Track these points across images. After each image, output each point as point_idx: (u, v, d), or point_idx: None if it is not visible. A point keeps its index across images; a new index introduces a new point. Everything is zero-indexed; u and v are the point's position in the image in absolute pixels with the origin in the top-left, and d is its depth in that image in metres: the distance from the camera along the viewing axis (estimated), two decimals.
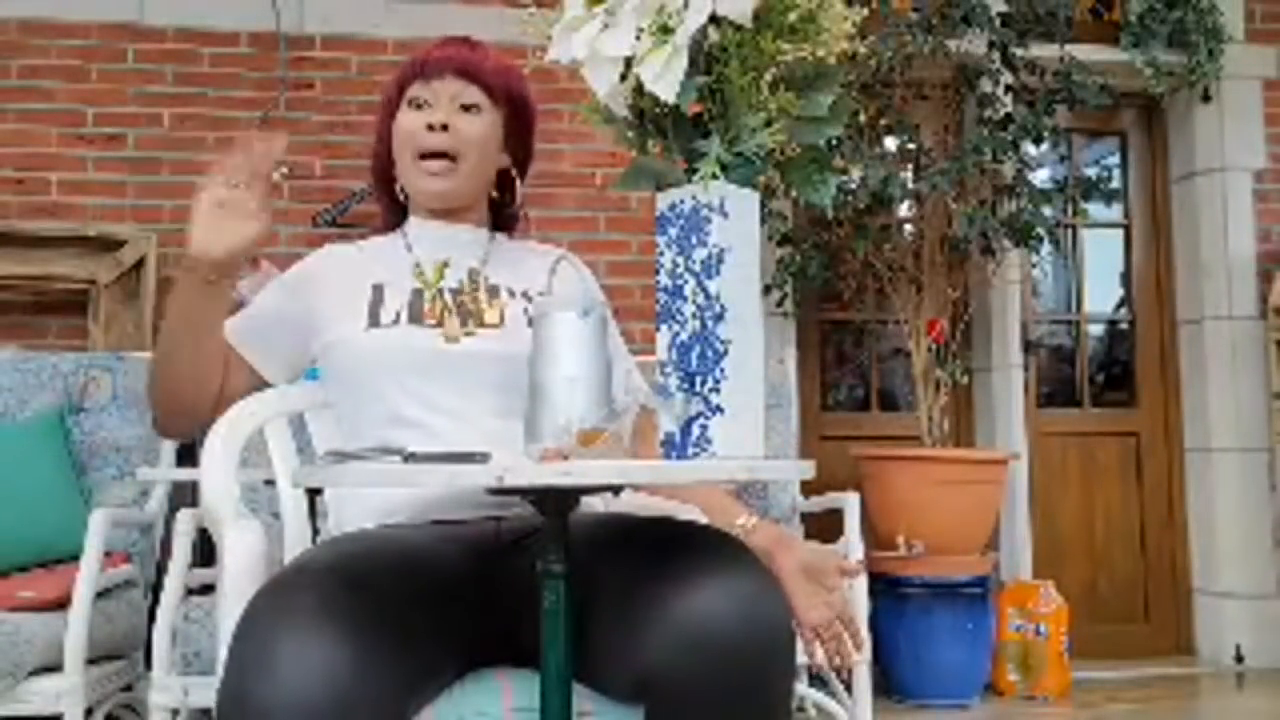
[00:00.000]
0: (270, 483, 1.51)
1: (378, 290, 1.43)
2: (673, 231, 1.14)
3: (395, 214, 1.56)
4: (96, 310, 3.30)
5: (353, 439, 1.41)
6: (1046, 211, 3.68)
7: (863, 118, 3.53)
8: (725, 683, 1.09)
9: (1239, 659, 3.99)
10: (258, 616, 1.08)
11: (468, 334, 1.40)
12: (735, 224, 1.11)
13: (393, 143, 1.49)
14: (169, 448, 2.91)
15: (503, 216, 1.58)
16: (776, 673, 1.14)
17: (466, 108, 1.46)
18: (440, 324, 1.40)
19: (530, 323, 1.37)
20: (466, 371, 1.38)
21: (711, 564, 1.13)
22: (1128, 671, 3.89)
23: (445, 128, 1.43)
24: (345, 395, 1.43)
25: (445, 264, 1.46)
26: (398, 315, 1.40)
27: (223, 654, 1.09)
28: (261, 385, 1.45)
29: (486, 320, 1.42)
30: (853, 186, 3.48)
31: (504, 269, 1.50)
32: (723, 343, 1.09)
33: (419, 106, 1.46)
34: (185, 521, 2.40)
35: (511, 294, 1.46)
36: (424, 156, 1.44)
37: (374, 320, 1.40)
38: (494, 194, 1.55)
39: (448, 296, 1.43)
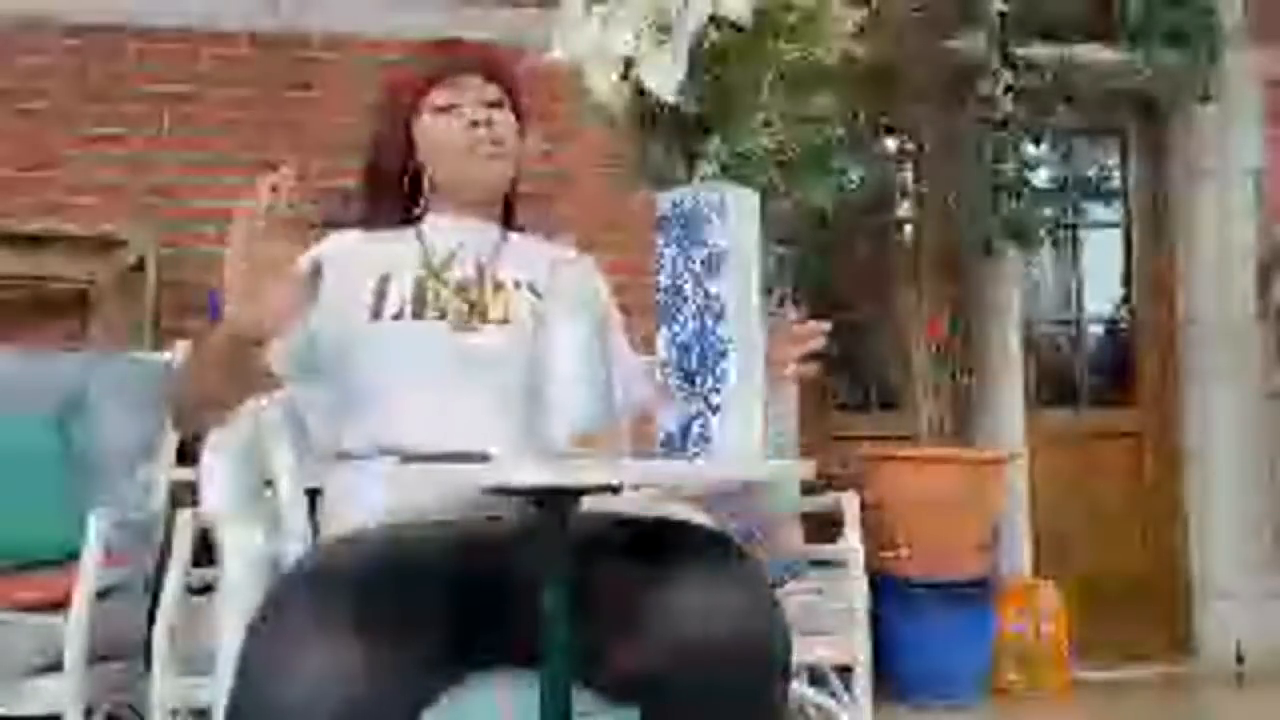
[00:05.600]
0: (270, 483, 1.50)
1: (383, 281, 1.43)
2: (673, 231, 1.14)
3: (397, 217, 1.55)
4: (96, 310, 3.30)
5: (352, 435, 1.40)
6: (1046, 211, 3.68)
7: (862, 118, 3.53)
8: (720, 685, 1.09)
9: (1239, 659, 3.99)
10: (265, 624, 1.08)
11: (472, 329, 1.40)
12: (735, 224, 1.11)
13: (420, 150, 1.49)
14: (169, 448, 2.90)
15: (512, 214, 1.59)
16: (772, 675, 1.15)
17: (491, 104, 1.48)
18: (444, 317, 1.40)
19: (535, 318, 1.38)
20: (469, 366, 1.38)
21: (707, 567, 1.14)
22: (1128, 671, 3.89)
23: (489, 123, 1.46)
24: (345, 389, 1.43)
25: (452, 255, 1.46)
26: (401, 308, 1.40)
27: (223, 654, 1.10)
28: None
29: (491, 315, 1.42)
30: (853, 186, 3.48)
31: (512, 263, 1.50)
32: (723, 343, 1.10)
33: (447, 110, 1.47)
34: (185, 521, 2.40)
35: (517, 286, 1.46)
36: (474, 148, 1.46)
37: (377, 312, 1.40)
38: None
39: (453, 289, 1.43)
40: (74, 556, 2.31)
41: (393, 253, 1.47)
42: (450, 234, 1.49)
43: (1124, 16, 3.98)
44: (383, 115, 1.53)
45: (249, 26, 3.60)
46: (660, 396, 1.15)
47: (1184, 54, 3.98)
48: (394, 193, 1.54)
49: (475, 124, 1.45)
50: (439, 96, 1.48)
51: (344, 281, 1.43)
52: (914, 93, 3.74)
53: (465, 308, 1.41)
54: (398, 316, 1.39)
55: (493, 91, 1.49)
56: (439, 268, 1.44)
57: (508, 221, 1.58)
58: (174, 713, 2.24)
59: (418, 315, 1.39)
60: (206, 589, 2.47)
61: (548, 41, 1.18)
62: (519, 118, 1.53)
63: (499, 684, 1.22)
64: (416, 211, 1.53)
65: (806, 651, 2.45)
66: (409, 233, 1.51)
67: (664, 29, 1.08)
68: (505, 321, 1.42)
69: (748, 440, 1.11)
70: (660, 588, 1.14)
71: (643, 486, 1.48)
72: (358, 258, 1.47)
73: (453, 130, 1.46)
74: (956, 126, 3.90)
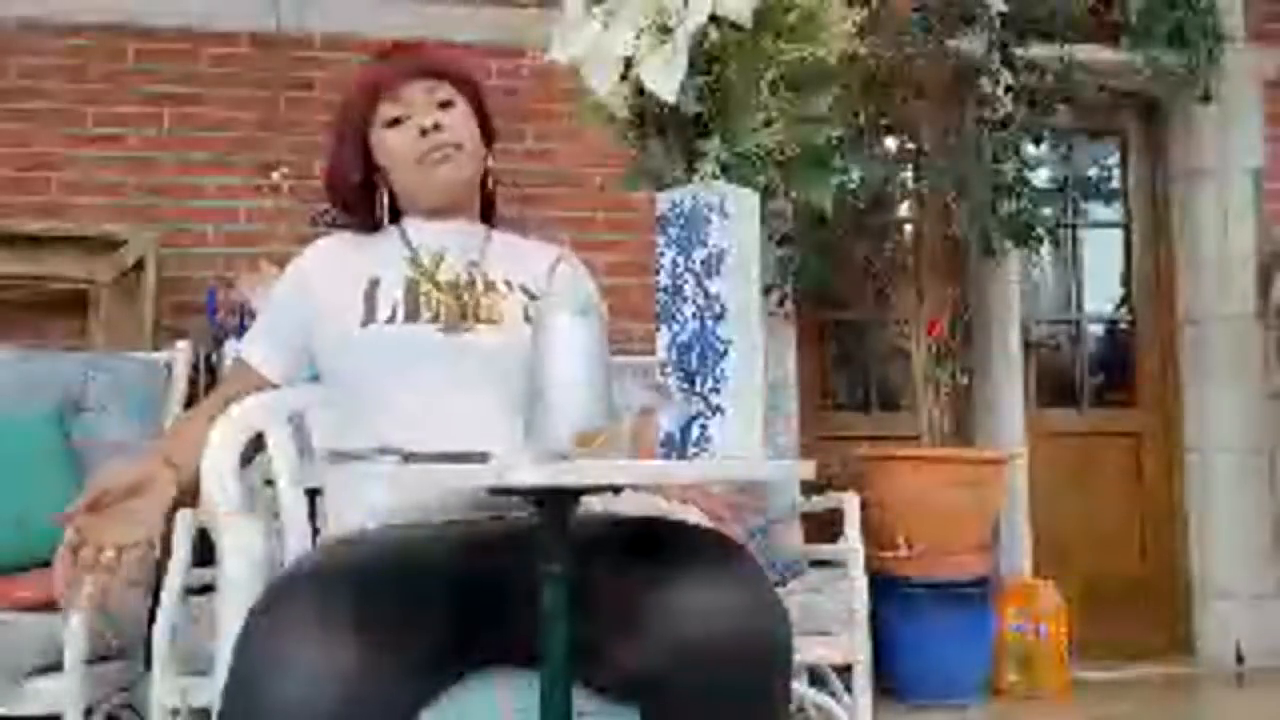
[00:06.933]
0: (270, 483, 1.50)
1: (372, 285, 1.43)
2: (673, 231, 1.14)
3: (370, 223, 1.54)
4: (96, 310, 3.30)
5: (351, 437, 1.41)
6: (1046, 211, 3.68)
7: (862, 118, 3.53)
8: (721, 684, 1.09)
9: (1239, 659, 3.99)
10: (260, 624, 1.08)
11: (466, 329, 1.40)
12: (735, 224, 1.11)
13: (379, 164, 1.49)
14: None
15: (492, 211, 1.58)
16: (772, 674, 1.14)
17: (443, 105, 1.47)
18: (437, 318, 1.40)
19: (528, 317, 1.38)
20: (464, 367, 1.38)
21: (707, 567, 1.14)
22: (1128, 671, 3.89)
23: (437, 127, 1.45)
24: (343, 392, 1.43)
25: (442, 256, 1.46)
26: (394, 311, 1.40)
27: (223, 654, 1.10)
28: (263, 387, 1.46)
29: (484, 316, 1.42)
30: (853, 186, 3.48)
31: (502, 262, 1.50)
32: (723, 343, 1.10)
33: (398, 122, 1.46)
34: (185, 521, 2.40)
35: (509, 286, 1.46)
36: (425, 156, 1.45)
37: (370, 316, 1.40)
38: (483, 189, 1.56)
39: (445, 289, 1.43)
40: None
41: (379, 256, 1.47)
42: (435, 235, 1.49)
43: (1124, 16, 3.99)
44: (338, 133, 1.52)
45: (249, 26, 3.60)
46: (659, 397, 1.15)
47: (1184, 54, 3.98)
48: (360, 204, 1.53)
49: (424, 131, 1.45)
50: (388, 110, 1.47)
51: (333, 287, 1.43)
52: (914, 93, 3.74)
53: (458, 309, 1.41)
54: (390, 320, 1.39)
55: (444, 91, 1.48)
56: (430, 268, 1.44)
57: (489, 219, 1.58)
58: (174, 712, 2.24)
59: (410, 318, 1.39)
60: (206, 589, 2.47)
61: (547, 41, 1.18)
62: (480, 113, 1.53)
63: (499, 684, 1.22)
64: (389, 216, 1.52)
65: (806, 651, 2.46)
66: (393, 233, 1.51)
67: (664, 29, 1.08)
68: (499, 321, 1.41)
69: (748, 440, 1.11)
70: (660, 588, 1.14)
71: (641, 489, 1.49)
72: (344, 262, 1.47)
73: (404, 142, 1.46)
74: (956, 126, 3.91)
